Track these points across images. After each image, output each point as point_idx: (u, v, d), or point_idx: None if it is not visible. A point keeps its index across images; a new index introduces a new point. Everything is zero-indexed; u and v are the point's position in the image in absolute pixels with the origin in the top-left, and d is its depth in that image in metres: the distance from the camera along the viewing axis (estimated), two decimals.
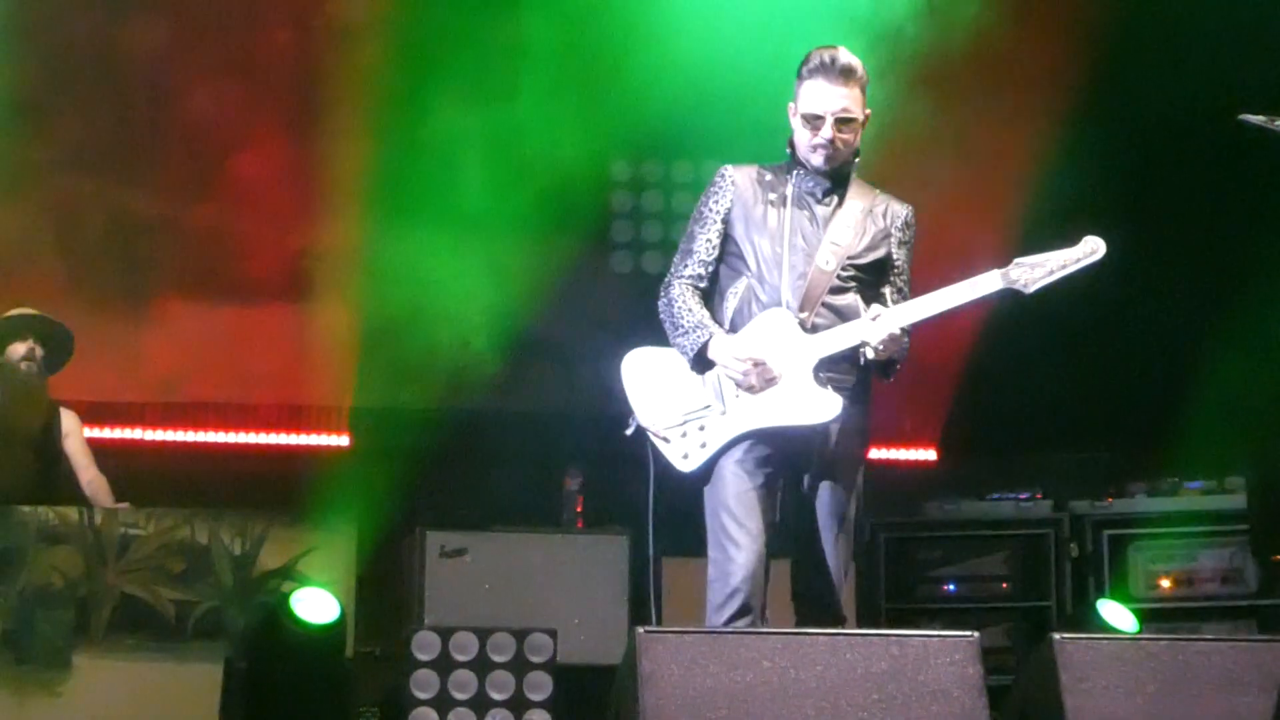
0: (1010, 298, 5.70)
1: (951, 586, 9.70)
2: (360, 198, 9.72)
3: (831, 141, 5.74)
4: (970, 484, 10.02)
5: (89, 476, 8.81)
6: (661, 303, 5.91)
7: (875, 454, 10.37)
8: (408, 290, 9.44)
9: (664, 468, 5.81)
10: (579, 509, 9.05)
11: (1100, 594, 9.40)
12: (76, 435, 8.88)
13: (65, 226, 9.93)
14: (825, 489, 5.75)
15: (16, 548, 8.17)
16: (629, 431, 5.86)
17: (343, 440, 10.20)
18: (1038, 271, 5.63)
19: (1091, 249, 5.68)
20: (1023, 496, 9.79)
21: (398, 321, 9.45)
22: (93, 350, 9.24)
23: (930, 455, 10.82)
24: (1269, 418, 9.17)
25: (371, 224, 9.74)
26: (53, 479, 8.74)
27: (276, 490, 9.15)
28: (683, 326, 5.80)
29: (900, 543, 9.78)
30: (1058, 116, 9.69)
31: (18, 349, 8.75)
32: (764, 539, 5.67)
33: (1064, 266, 5.66)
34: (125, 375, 9.91)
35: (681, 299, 5.85)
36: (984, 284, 5.67)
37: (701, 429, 5.74)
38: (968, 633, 5.20)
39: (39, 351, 8.79)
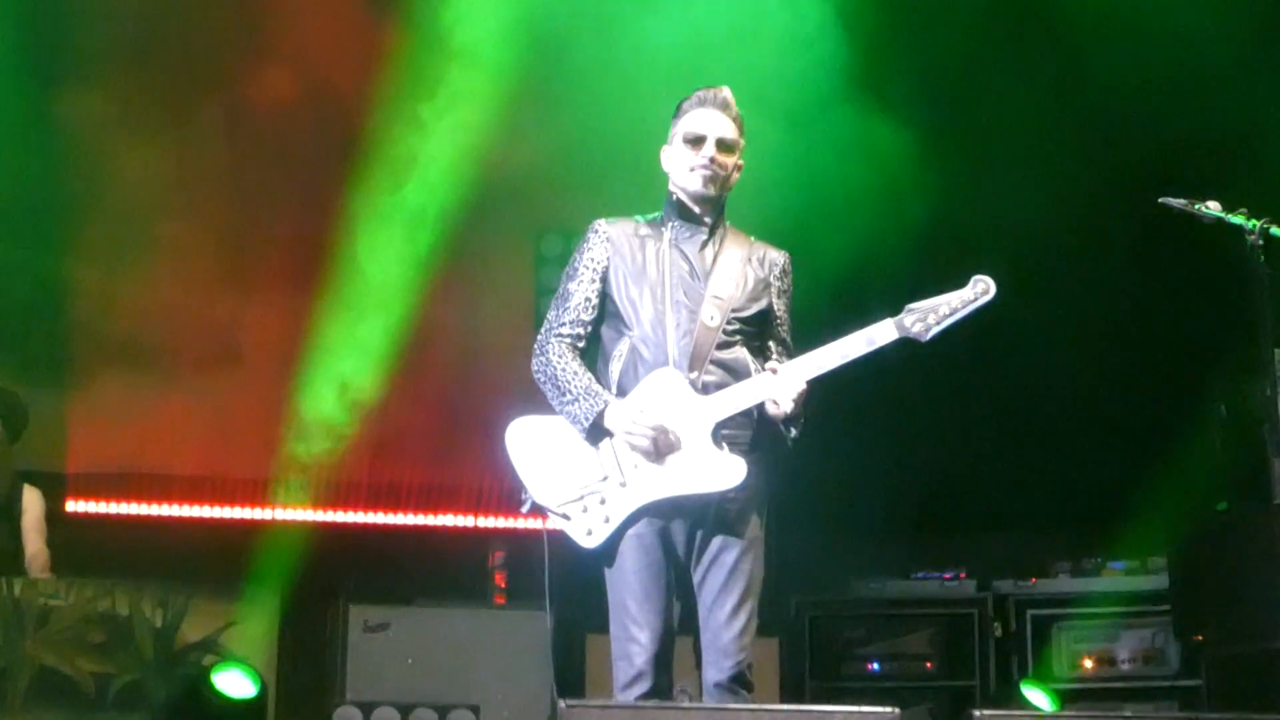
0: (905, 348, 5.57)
1: (876, 665, 9.71)
2: (286, 270, 9.73)
3: (713, 160, 5.65)
4: (895, 563, 10.04)
5: (33, 550, 8.72)
6: (538, 363, 5.70)
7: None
8: (331, 361, 9.42)
9: (569, 542, 5.64)
10: (502, 584, 9.02)
11: (1024, 674, 9.44)
12: (34, 511, 8.79)
13: None
14: (727, 549, 5.57)
15: None
16: (524, 509, 5.66)
17: (267, 513, 10.13)
18: (932, 317, 5.51)
19: (984, 289, 5.53)
20: (947, 576, 9.82)
21: (322, 394, 9.42)
22: None
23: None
24: (1190, 498, 9.24)
25: (296, 296, 9.72)
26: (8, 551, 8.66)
27: (199, 562, 9.06)
28: (570, 392, 5.59)
29: (825, 620, 9.78)
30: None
31: None
32: (668, 615, 5.54)
33: (957, 310, 5.53)
34: (50, 444, 9.83)
35: (561, 360, 5.65)
36: (879, 334, 5.53)
37: (602, 502, 5.56)
38: (887, 709, 5.19)
39: None
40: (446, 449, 9.89)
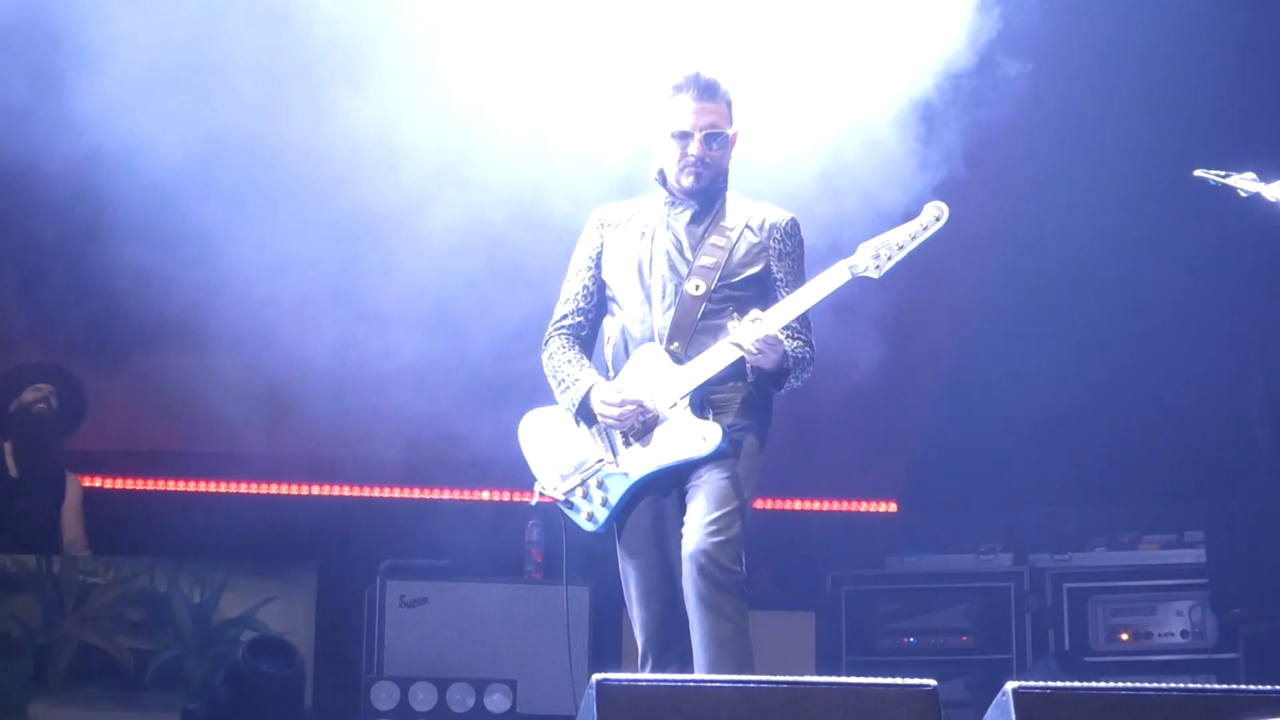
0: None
1: (912, 639, 9.71)
2: None
3: (701, 159, 5.60)
4: (931, 537, 10.04)
5: (72, 535, 8.78)
6: (543, 358, 5.76)
7: (838, 507, 10.53)
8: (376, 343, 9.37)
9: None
10: (539, 559, 9.02)
11: (1060, 647, 9.43)
12: (74, 496, 8.86)
13: (28, 276, 9.87)
14: (704, 474, 5.47)
15: None
16: (534, 502, 5.80)
17: (309, 488, 10.12)
18: (884, 252, 5.43)
19: (935, 215, 5.45)
20: (983, 550, 9.81)
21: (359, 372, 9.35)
22: None
23: (891, 508, 10.81)
24: (1227, 471, 9.23)
25: None
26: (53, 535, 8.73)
27: (237, 539, 9.08)
28: (563, 380, 5.65)
29: (861, 595, 9.78)
30: None
31: (30, 394, 8.74)
32: (665, 592, 5.53)
33: (907, 241, 5.45)
34: (89, 421, 9.83)
35: (560, 352, 5.71)
36: (832, 278, 5.47)
37: (600, 486, 5.60)
38: (926, 681, 5.18)
39: (54, 400, 8.78)
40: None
